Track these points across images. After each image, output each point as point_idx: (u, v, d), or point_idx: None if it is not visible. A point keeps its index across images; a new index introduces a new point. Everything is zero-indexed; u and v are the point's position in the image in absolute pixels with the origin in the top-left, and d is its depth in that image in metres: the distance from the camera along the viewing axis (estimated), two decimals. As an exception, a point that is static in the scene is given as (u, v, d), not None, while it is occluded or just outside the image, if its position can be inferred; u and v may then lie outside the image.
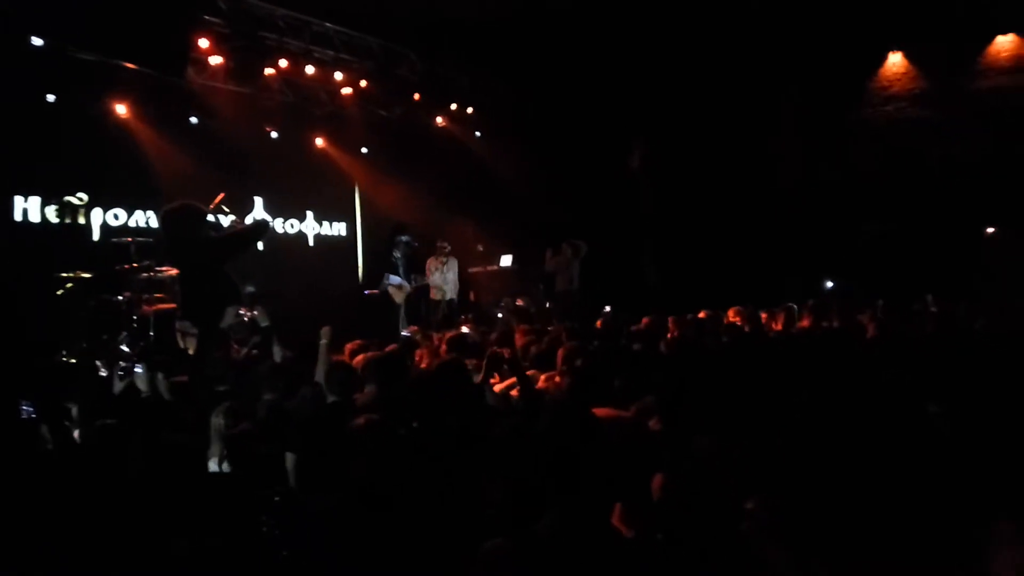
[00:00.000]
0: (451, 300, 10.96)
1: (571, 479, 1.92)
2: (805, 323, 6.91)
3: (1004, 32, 12.01)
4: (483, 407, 3.87)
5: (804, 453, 3.43)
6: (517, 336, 6.30)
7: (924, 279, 9.36)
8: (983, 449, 4.39)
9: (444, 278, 10.92)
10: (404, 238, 10.79)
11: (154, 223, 9.62)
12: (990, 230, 11.92)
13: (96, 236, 8.97)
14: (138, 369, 5.25)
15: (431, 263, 10.88)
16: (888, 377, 4.50)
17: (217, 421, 3.49)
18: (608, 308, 8.36)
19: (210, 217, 5.77)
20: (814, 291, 10.71)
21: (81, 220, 8.80)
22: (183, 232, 5.62)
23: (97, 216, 9.06)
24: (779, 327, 6.67)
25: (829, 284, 12.73)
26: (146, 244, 8.15)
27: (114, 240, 8.26)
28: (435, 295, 10.89)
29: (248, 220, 7.80)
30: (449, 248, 11.04)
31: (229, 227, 6.08)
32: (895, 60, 12.82)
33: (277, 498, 2.63)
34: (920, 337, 6.11)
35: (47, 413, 3.74)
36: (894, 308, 7.19)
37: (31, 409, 4.02)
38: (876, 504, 3.43)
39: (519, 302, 10.46)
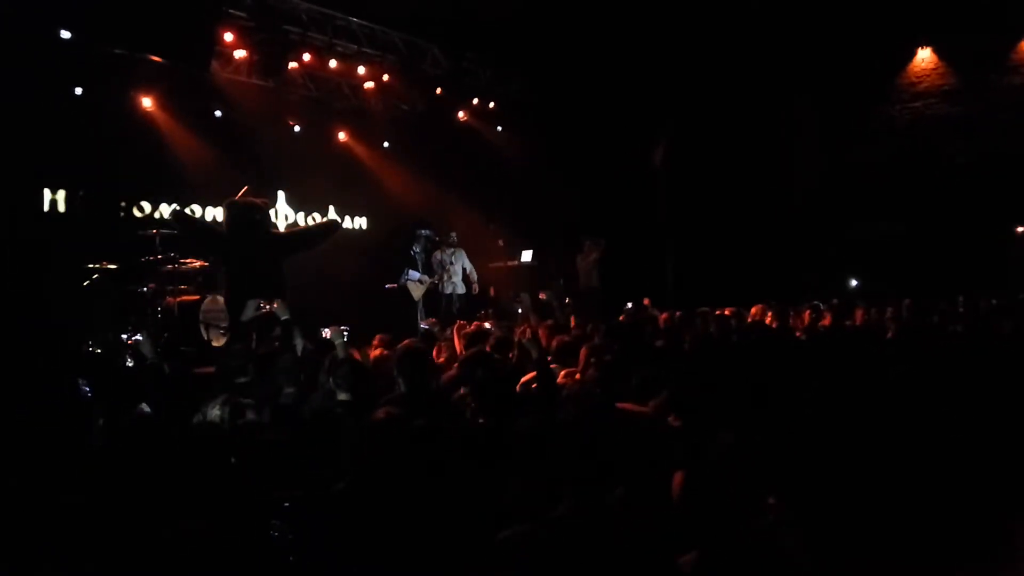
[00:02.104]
0: (462, 294, 10.70)
1: (591, 469, 1.91)
2: (827, 321, 6.82)
3: (1036, 28, 11.77)
4: (512, 399, 3.83)
5: (824, 450, 3.40)
6: (540, 332, 6.28)
7: (952, 278, 9.21)
8: (1001, 448, 4.33)
9: (453, 269, 10.66)
10: (424, 232, 10.76)
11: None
12: (1020, 229, 11.69)
13: (122, 228, 9.08)
14: (139, 337, 5.33)
15: (437, 254, 10.74)
16: (905, 376, 4.44)
17: (214, 412, 3.46)
18: (630, 304, 8.28)
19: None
20: (835, 289, 10.58)
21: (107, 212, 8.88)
22: (247, 225, 5.79)
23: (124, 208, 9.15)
24: (804, 324, 6.59)
25: (854, 283, 12.58)
26: (171, 236, 8.25)
27: (139, 232, 8.35)
28: (444, 288, 10.63)
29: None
30: (454, 239, 10.75)
31: (295, 225, 6.26)
32: (924, 56, 12.61)
33: (287, 503, 2.62)
34: (946, 337, 6.02)
35: (103, 393, 3.77)
36: (921, 307, 7.08)
37: (88, 390, 4.05)
38: (893, 501, 3.39)
39: (541, 296, 10.35)
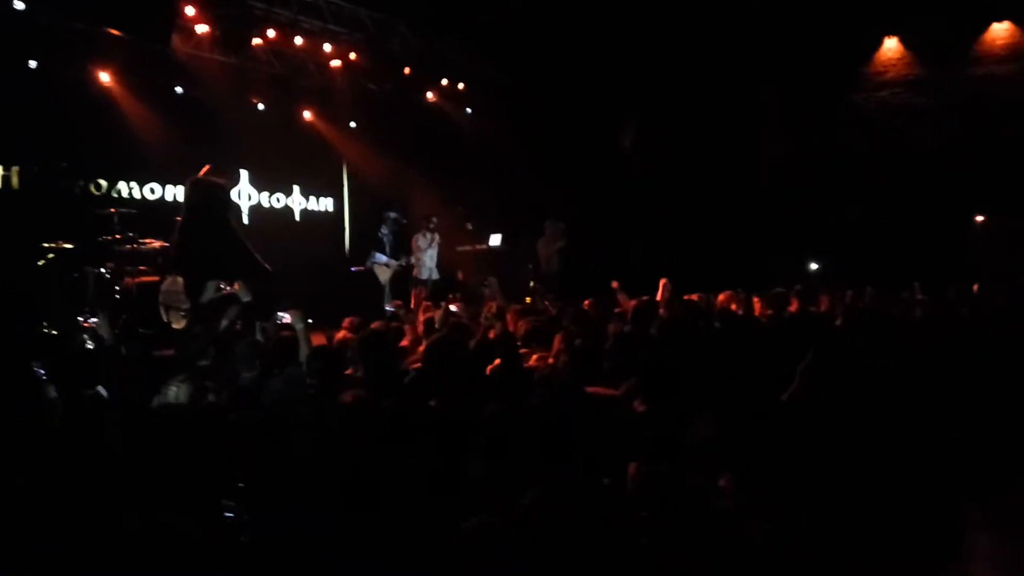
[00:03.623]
0: (437, 280, 10.68)
1: (561, 453, 1.89)
2: (793, 308, 6.89)
3: (1000, 19, 11.97)
4: (480, 384, 3.80)
5: (790, 437, 3.42)
6: (508, 316, 6.26)
7: (912, 265, 9.37)
8: (962, 431, 4.42)
9: (430, 254, 10.64)
10: (392, 215, 10.64)
11: (137, 194, 9.50)
12: (980, 218, 11.96)
13: (78, 206, 8.82)
14: (96, 319, 5.22)
15: (418, 239, 10.71)
16: (868, 363, 4.50)
17: (173, 393, 3.39)
18: (615, 284, 8.22)
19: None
20: (797, 274, 10.72)
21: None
22: (209, 205, 5.71)
23: (80, 186, 8.90)
24: (770, 312, 6.65)
25: (814, 266, 12.77)
26: (129, 215, 8.04)
27: (97, 211, 8.12)
28: (420, 273, 10.67)
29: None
30: (435, 223, 10.74)
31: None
32: (891, 45, 12.77)
33: (242, 484, 2.56)
34: (908, 323, 6.12)
35: (58, 376, 3.66)
36: (881, 294, 7.19)
37: (43, 372, 3.93)
38: (855, 488, 3.44)
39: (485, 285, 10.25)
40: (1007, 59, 11.92)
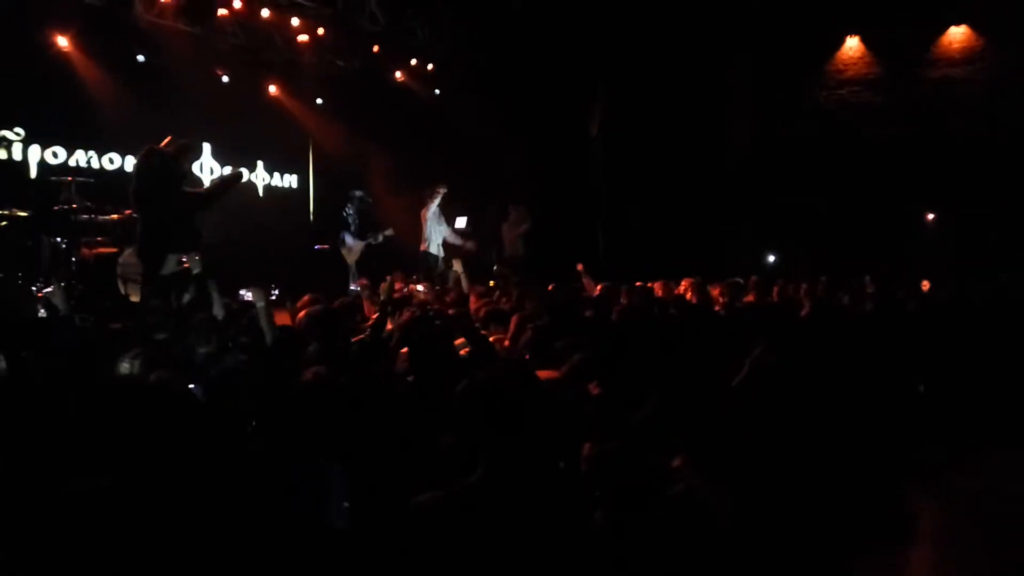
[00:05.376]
0: (443, 257, 10.27)
1: (506, 428, 1.94)
2: (751, 298, 7.06)
3: (958, 23, 12.28)
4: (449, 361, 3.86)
5: (735, 418, 3.54)
6: (472, 297, 6.34)
7: (863, 258, 9.65)
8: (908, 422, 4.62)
9: (438, 230, 10.32)
10: (357, 193, 10.55)
11: (95, 163, 9.30)
12: (930, 216, 12.32)
13: (33, 174, 8.62)
14: (50, 288, 5.12)
15: (425, 212, 10.29)
16: (818, 351, 4.66)
17: (125, 366, 3.39)
18: (580, 266, 8.25)
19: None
20: (757, 264, 10.96)
21: (17, 156, 8.44)
22: (154, 179, 5.63)
23: (35, 153, 8.68)
24: (725, 300, 6.81)
25: (771, 258, 13.05)
26: (86, 184, 7.88)
27: (53, 179, 7.94)
28: (429, 248, 10.31)
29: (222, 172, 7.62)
30: (442, 193, 10.32)
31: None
32: (852, 44, 13.02)
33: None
34: (859, 314, 6.33)
35: (5, 343, 3.61)
36: (835, 286, 7.41)
37: None
38: (804, 474, 3.57)
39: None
40: (962, 62, 12.26)
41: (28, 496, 2.28)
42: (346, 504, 2.57)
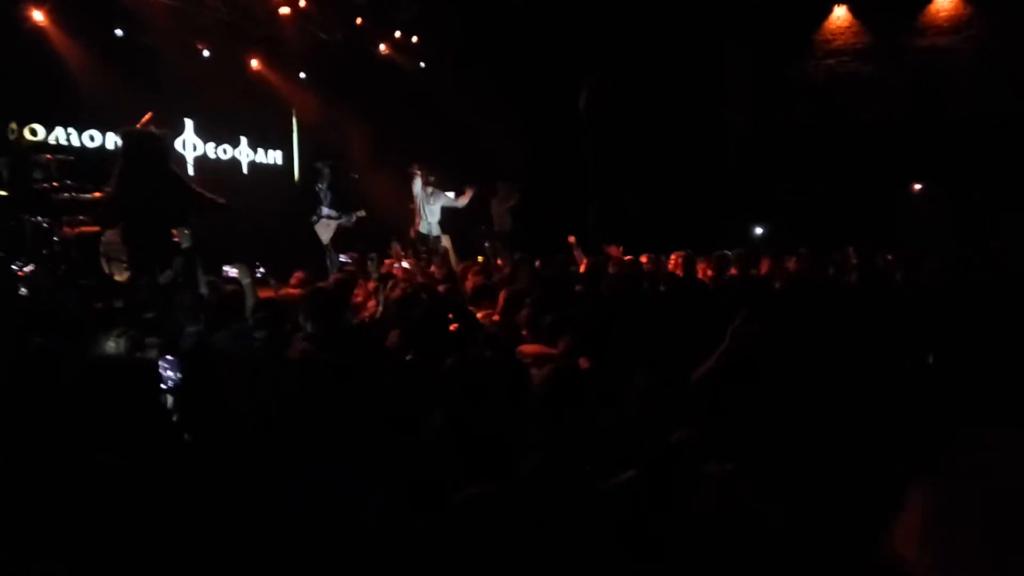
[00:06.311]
0: (436, 236, 10.09)
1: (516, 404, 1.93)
2: (734, 271, 7.06)
3: (945, -8, 12.24)
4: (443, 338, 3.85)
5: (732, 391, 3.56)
6: (468, 275, 6.31)
7: (849, 231, 9.66)
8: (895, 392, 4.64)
9: (431, 209, 10.17)
10: (322, 166, 10.12)
11: (75, 140, 9.16)
12: (917, 186, 12.36)
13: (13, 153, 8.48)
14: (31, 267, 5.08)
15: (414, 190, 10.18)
16: (803, 323, 4.68)
17: (110, 345, 3.38)
18: (572, 239, 8.19)
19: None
20: (744, 236, 10.98)
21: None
22: (145, 155, 5.57)
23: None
24: (712, 273, 6.82)
25: (758, 230, 13.08)
26: (67, 162, 7.76)
27: (33, 157, 7.81)
28: (421, 227, 10.17)
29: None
30: (433, 179, 10.20)
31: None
32: (840, 13, 12.95)
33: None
34: (843, 286, 6.35)
35: None
36: (818, 257, 7.41)
37: None
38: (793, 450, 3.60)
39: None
40: (949, 31, 12.23)
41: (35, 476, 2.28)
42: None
